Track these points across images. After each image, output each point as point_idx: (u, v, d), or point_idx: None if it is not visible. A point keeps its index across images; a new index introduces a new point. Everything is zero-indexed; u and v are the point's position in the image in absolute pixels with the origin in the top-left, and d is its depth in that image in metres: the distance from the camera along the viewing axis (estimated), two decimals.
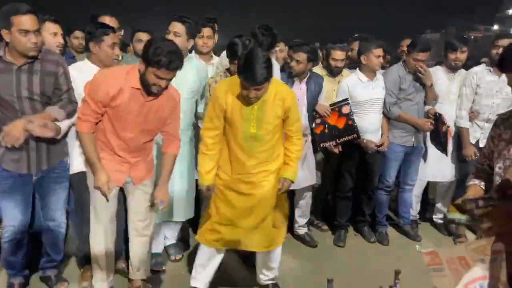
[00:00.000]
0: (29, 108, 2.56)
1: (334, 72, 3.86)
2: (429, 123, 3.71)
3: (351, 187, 3.82)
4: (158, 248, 3.30)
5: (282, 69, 3.64)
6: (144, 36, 3.73)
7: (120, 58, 3.17)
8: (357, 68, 3.76)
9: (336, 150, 3.66)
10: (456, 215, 1.44)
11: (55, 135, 2.56)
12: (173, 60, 2.34)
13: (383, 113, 3.75)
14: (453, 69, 3.86)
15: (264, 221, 2.71)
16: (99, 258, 2.74)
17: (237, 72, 2.43)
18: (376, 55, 3.58)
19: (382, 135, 3.76)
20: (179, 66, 2.40)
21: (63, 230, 2.91)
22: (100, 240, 2.71)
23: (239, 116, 2.53)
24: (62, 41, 3.20)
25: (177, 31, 3.04)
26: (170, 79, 2.46)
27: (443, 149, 3.82)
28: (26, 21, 2.41)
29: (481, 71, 3.75)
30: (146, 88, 2.46)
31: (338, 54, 3.74)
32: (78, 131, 2.57)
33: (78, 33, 3.78)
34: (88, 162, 2.62)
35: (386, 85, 3.71)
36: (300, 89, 3.48)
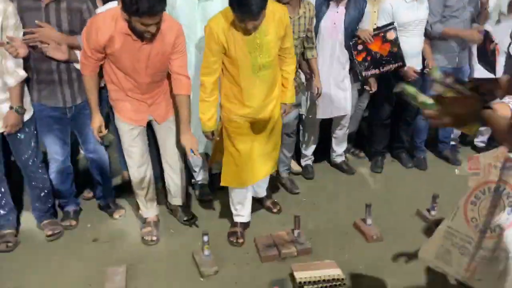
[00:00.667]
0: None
1: None
2: (478, 32, 3.45)
3: (388, 114, 3.75)
4: (203, 179, 3.39)
5: None
6: None
7: None
8: None
9: (372, 87, 3.59)
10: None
11: (64, 58, 2.66)
12: (152, 3, 2.19)
13: (425, 34, 3.55)
14: None
15: (276, 146, 2.87)
16: (138, 189, 2.92)
17: (229, 5, 2.31)
18: None
19: (425, 60, 3.59)
20: (163, 8, 2.27)
21: (106, 158, 3.12)
22: (136, 174, 2.86)
23: (243, 49, 2.45)
24: None
25: None
26: (159, 22, 2.34)
27: (492, 69, 3.59)
28: None
29: None
30: (138, 33, 2.37)
31: None
32: (81, 73, 2.63)
33: None
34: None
35: (430, 3, 3.48)
36: (337, 12, 3.28)
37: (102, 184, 3.17)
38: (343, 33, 3.34)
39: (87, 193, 3.43)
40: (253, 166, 2.78)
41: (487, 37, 3.51)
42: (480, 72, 3.73)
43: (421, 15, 3.47)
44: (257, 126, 2.72)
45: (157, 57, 2.52)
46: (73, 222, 3.08)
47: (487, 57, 3.59)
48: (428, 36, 3.56)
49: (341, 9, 3.29)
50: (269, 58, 2.53)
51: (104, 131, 2.75)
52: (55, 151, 2.91)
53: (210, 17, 2.52)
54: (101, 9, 2.85)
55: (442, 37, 3.52)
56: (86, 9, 2.72)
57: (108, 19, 2.40)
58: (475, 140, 4.22)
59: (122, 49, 2.43)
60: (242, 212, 2.94)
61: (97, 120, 2.70)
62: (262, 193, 3.21)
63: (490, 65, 3.60)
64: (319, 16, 3.29)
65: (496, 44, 3.50)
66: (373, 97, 3.81)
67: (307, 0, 3.06)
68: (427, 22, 3.51)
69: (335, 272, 2.45)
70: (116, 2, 2.77)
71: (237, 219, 2.96)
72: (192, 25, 2.83)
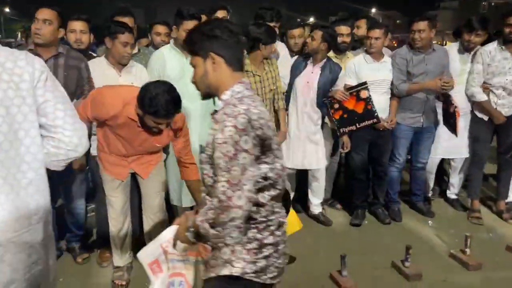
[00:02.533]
0: None
1: (340, 49, 3.84)
2: (439, 79, 3.59)
3: (362, 168, 3.88)
4: None
5: (301, 52, 3.72)
6: (161, 29, 3.81)
7: (136, 51, 3.28)
8: (364, 50, 3.79)
9: (346, 147, 3.78)
10: None
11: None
12: (170, 109, 2.29)
13: (393, 94, 3.76)
14: (467, 49, 3.82)
15: None
16: (114, 238, 2.91)
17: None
18: (369, 36, 3.63)
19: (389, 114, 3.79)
20: (178, 111, 2.39)
21: (83, 213, 3.20)
22: (114, 223, 2.86)
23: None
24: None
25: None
26: (170, 122, 2.45)
27: (453, 130, 3.83)
28: (38, 11, 2.73)
29: (493, 49, 3.70)
30: (145, 125, 2.44)
31: (343, 29, 3.76)
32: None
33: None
34: None
35: (394, 65, 3.72)
36: (312, 72, 3.55)
37: (72, 231, 3.22)
38: (316, 92, 3.56)
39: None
40: None
41: (448, 101, 3.75)
42: (445, 128, 3.93)
43: (383, 76, 3.71)
44: None
45: (155, 141, 2.62)
46: (86, 255, 3.11)
47: (449, 119, 3.82)
48: (396, 96, 3.77)
49: (316, 70, 3.54)
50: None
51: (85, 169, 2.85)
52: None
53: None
54: (92, 61, 3.01)
55: (409, 94, 3.72)
56: (84, 67, 2.91)
57: (117, 100, 2.45)
58: (448, 192, 4.35)
59: (123, 126, 2.50)
60: None
61: (78, 161, 2.74)
62: None
63: (451, 126, 3.83)
64: (295, 73, 3.53)
65: (456, 107, 3.73)
66: (346, 153, 3.95)
67: (269, 60, 3.34)
68: (393, 83, 3.72)
69: None
70: (104, 57, 3.01)
71: None
72: (183, 80, 2.96)
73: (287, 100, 3.63)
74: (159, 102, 2.23)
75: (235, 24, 1.59)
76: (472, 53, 3.84)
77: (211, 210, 1.44)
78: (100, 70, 2.93)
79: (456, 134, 3.82)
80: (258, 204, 1.51)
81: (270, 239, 1.55)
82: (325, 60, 3.55)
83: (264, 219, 1.53)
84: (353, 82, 3.70)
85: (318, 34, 3.45)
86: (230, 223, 1.41)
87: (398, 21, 39.64)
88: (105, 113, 2.47)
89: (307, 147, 3.63)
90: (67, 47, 3.02)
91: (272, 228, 1.56)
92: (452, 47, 3.95)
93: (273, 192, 1.53)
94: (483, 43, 3.85)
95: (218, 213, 1.41)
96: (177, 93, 2.34)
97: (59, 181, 2.98)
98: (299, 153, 3.63)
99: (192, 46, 1.54)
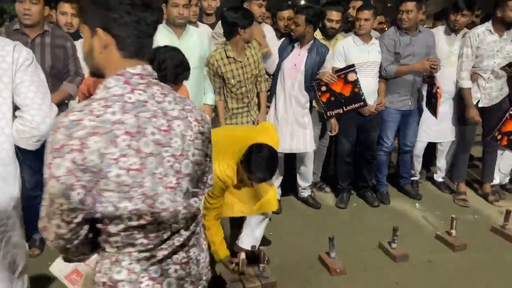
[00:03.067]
0: None
1: (329, 34, 3.83)
2: (427, 60, 3.61)
3: (350, 151, 3.89)
4: None
5: (289, 35, 3.68)
6: None
7: None
8: (353, 32, 3.77)
9: (334, 130, 3.77)
10: None
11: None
12: (179, 73, 2.29)
13: (381, 76, 3.77)
14: (453, 30, 3.83)
15: None
16: None
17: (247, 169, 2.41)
18: (358, 18, 3.62)
19: (378, 97, 3.81)
20: (186, 77, 2.36)
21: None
22: None
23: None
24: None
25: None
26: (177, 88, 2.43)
27: (433, 111, 3.87)
28: None
29: (482, 32, 3.71)
30: None
31: (334, 15, 3.71)
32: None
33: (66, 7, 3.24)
34: None
35: (382, 46, 3.71)
36: (299, 54, 3.52)
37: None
38: (303, 74, 3.55)
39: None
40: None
41: (432, 82, 3.77)
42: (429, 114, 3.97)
43: (372, 58, 3.70)
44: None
45: None
46: (36, 251, 3.00)
47: (430, 100, 3.85)
48: (385, 78, 3.78)
49: (303, 52, 3.52)
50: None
51: None
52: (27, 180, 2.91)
53: (191, 51, 2.83)
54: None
55: (397, 76, 3.72)
56: (70, 46, 2.89)
57: None
58: (434, 175, 4.41)
59: None
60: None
61: None
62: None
63: (432, 107, 3.86)
64: (282, 56, 3.51)
65: (438, 88, 3.76)
66: (333, 136, 3.97)
67: (250, 44, 3.29)
68: (381, 65, 3.73)
69: None
70: None
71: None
72: None
73: (275, 83, 3.62)
74: (168, 66, 2.23)
75: None
76: (460, 35, 3.85)
77: None
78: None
79: (436, 116, 3.85)
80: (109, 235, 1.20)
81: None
82: (312, 42, 3.53)
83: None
84: (342, 65, 3.68)
85: (301, 18, 3.39)
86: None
87: (389, 4, 39.50)
88: None
89: (295, 131, 3.63)
90: (52, 25, 2.99)
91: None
92: (439, 29, 3.95)
93: (132, 223, 1.18)
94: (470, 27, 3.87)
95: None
96: (186, 59, 2.36)
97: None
98: (287, 136, 3.62)
99: (79, 12, 1.42)
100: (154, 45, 2.82)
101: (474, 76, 3.80)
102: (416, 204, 4.00)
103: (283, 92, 3.58)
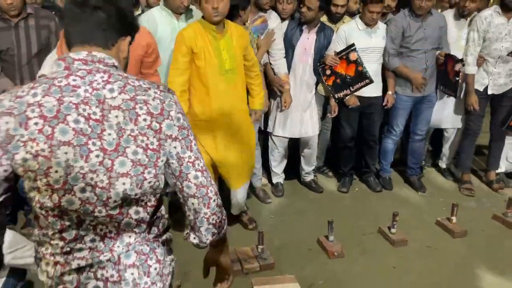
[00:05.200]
0: (25, 65, 2.83)
1: (334, 19, 3.79)
2: (422, 78, 3.64)
3: (351, 136, 3.87)
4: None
5: (292, 17, 3.64)
6: None
7: (139, 11, 3.26)
8: (357, 15, 3.71)
9: (352, 102, 3.70)
10: None
11: None
12: None
13: (387, 68, 3.73)
14: (462, 15, 3.76)
15: (250, 158, 3.05)
16: None
17: None
18: (370, 11, 3.51)
19: (388, 91, 3.75)
20: None
21: None
22: None
23: (210, 52, 2.69)
24: None
25: None
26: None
27: (454, 91, 3.77)
28: None
29: (490, 14, 3.63)
30: None
31: (339, 0, 3.65)
32: None
33: None
34: None
35: (388, 34, 3.65)
36: (308, 38, 3.49)
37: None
38: (313, 58, 3.53)
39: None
40: (228, 174, 2.94)
41: (453, 59, 3.68)
42: (439, 96, 3.92)
43: (376, 43, 3.64)
44: (228, 132, 2.87)
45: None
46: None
47: (447, 80, 3.78)
48: (386, 67, 3.73)
49: (312, 35, 3.49)
50: (234, 63, 2.78)
51: None
52: None
53: None
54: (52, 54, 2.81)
55: (397, 73, 3.70)
56: (54, 25, 2.91)
57: None
58: (439, 161, 4.38)
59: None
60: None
61: None
62: (240, 208, 3.26)
63: (452, 88, 3.77)
64: (291, 41, 3.47)
65: (463, 64, 3.68)
66: (334, 120, 3.95)
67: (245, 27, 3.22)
68: (387, 53, 3.67)
69: (293, 286, 2.52)
70: None
71: None
72: (173, 42, 2.91)
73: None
74: None
75: None
76: (469, 19, 3.78)
77: None
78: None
79: (456, 96, 3.79)
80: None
81: None
82: (319, 25, 3.50)
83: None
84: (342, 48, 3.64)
85: (315, 3, 3.32)
86: None
87: None
88: None
89: (304, 116, 3.62)
90: (35, 6, 3.00)
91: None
92: (448, 13, 3.86)
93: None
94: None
95: None
96: None
97: None
98: (297, 122, 3.61)
99: None
100: (154, 26, 2.78)
101: (480, 60, 3.73)
102: (419, 192, 3.98)
103: (293, 78, 3.53)
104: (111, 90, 1.11)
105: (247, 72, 2.94)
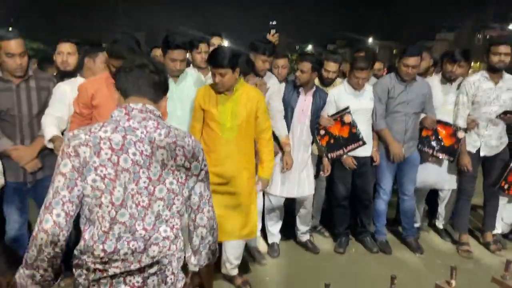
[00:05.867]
0: (27, 126, 2.87)
1: (325, 82, 3.93)
2: (402, 153, 3.74)
3: (345, 195, 3.89)
4: None
5: (286, 80, 3.78)
6: (158, 53, 3.89)
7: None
8: (346, 79, 3.86)
9: (348, 163, 3.77)
10: None
11: (39, 166, 2.91)
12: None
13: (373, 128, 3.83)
14: (449, 80, 3.90)
15: (249, 214, 3.03)
16: None
17: (207, 60, 2.93)
18: (356, 76, 3.66)
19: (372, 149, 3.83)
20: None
21: None
22: None
23: (215, 107, 2.88)
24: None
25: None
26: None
27: (453, 156, 3.83)
28: (12, 45, 2.72)
29: (478, 79, 3.78)
30: None
31: (331, 66, 3.82)
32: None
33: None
34: None
35: (375, 95, 3.76)
36: (305, 100, 3.61)
37: None
38: (310, 119, 3.64)
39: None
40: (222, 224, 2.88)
41: (444, 126, 3.82)
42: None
43: (364, 105, 3.76)
44: (227, 190, 2.91)
45: None
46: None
47: (441, 145, 3.86)
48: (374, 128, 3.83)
49: (309, 97, 3.62)
50: (236, 121, 2.87)
51: None
52: (14, 220, 2.95)
53: (187, 97, 3.05)
54: (66, 83, 2.99)
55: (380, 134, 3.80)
56: (53, 86, 2.96)
57: (99, 75, 2.74)
58: (436, 221, 4.36)
59: (108, 96, 2.54)
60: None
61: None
62: (234, 270, 3.21)
63: (448, 152, 3.85)
64: (289, 103, 3.58)
65: (466, 131, 3.80)
66: (328, 179, 3.98)
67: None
68: (375, 114, 3.78)
69: None
70: (78, 75, 3.07)
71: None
72: (172, 106, 3.05)
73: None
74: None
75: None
76: (455, 84, 3.91)
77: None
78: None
79: (454, 160, 3.85)
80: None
81: None
82: (315, 87, 3.63)
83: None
84: (333, 112, 3.76)
85: (308, 66, 3.46)
86: (39, 256, 1.40)
87: (394, 51, 40.31)
88: (90, 86, 2.62)
89: (301, 175, 3.66)
90: (35, 68, 3.11)
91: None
92: (434, 79, 4.02)
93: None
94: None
95: (29, 246, 1.43)
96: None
97: (34, 199, 3.02)
98: (295, 182, 3.64)
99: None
100: None
101: (472, 124, 3.83)
102: (416, 253, 3.93)
103: (292, 138, 3.59)
104: (160, 134, 1.49)
105: (258, 136, 3.03)
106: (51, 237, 1.38)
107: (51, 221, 1.38)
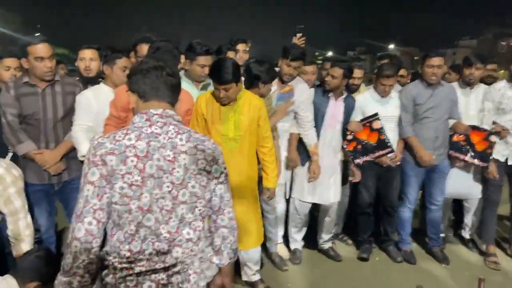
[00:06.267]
0: (51, 129, 2.91)
1: (351, 89, 3.90)
2: (432, 159, 3.66)
3: (369, 202, 3.83)
4: None
5: (319, 85, 3.76)
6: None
7: None
8: (372, 85, 3.82)
9: (356, 177, 3.73)
10: None
11: (63, 168, 2.95)
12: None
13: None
14: (468, 84, 3.84)
15: (255, 221, 2.98)
16: None
17: (208, 75, 2.84)
18: (382, 84, 3.63)
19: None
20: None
21: None
22: None
23: (218, 118, 2.80)
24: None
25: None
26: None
27: (487, 161, 3.74)
28: (40, 49, 2.76)
29: (503, 86, 3.74)
30: None
31: (357, 72, 3.80)
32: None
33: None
34: None
35: (401, 102, 3.71)
36: (335, 106, 3.59)
37: None
38: (341, 124, 3.62)
39: None
40: None
41: (477, 131, 3.74)
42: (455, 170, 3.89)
43: (390, 112, 3.71)
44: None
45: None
46: None
47: (476, 151, 3.76)
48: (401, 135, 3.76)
49: (340, 103, 3.60)
50: (239, 132, 2.81)
51: None
52: (41, 223, 2.99)
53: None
54: (89, 90, 3.03)
55: (417, 132, 3.68)
56: (79, 91, 2.99)
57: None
58: (462, 231, 4.26)
59: None
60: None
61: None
62: (255, 276, 3.19)
63: (482, 158, 3.75)
64: (320, 108, 3.56)
65: (500, 137, 3.73)
66: (353, 186, 3.93)
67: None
68: (401, 122, 3.71)
69: None
70: (101, 83, 3.08)
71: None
72: None
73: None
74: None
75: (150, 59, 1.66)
76: (475, 90, 3.85)
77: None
78: (103, 94, 2.96)
79: (488, 166, 3.75)
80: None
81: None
82: (345, 94, 3.61)
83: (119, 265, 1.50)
84: (359, 118, 3.72)
85: (339, 72, 3.43)
86: (75, 263, 1.42)
87: (416, 58, 39.90)
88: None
89: (330, 181, 3.63)
90: (61, 73, 3.14)
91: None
92: (453, 84, 3.94)
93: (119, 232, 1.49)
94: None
95: (65, 253, 1.45)
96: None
97: (62, 201, 3.09)
98: (324, 187, 3.62)
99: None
100: None
101: (503, 133, 3.75)
102: (442, 264, 3.84)
103: (322, 143, 3.57)
104: (181, 139, 1.51)
105: (260, 145, 2.96)
106: (84, 245, 1.41)
107: (83, 229, 1.41)
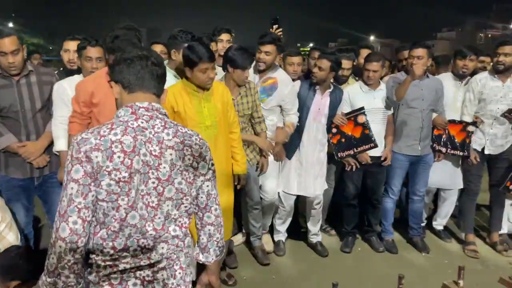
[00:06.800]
0: (31, 120, 2.84)
1: (340, 81, 3.91)
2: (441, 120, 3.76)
3: (354, 194, 3.87)
4: None
5: (306, 76, 3.74)
6: (158, 48, 3.86)
7: None
8: (361, 79, 3.83)
9: (364, 159, 3.72)
10: None
11: (47, 161, 2.92)
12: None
13: (388, 125, 3.78)
14: (460, 76, 3.89)
15: (226, 213, 2.88)
16: None
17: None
18: (367, 69, 3.66)
19: (385, 147, 3.80)
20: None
21: None
22: None
23: (190, 109, 2.69)
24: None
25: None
26: None
27: (467, 151, 3.83)
28: (2, 44, 2.69)
29: (484, 77, 3.80)
30: None
31: (345, 63, 3.79)
32: (69, 134, 2.70)
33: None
34: None
35: (386, 90, 3.72)
36: (321, 99, 3.57)
37: None
38: (326, 118, 3.61)
39: None
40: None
41: (455, 124, 3.82)
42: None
43: (378, 104, 3.73)
44: None
45: None
46: None
47: (455, 143, 3.85)
48: (391, 105, 3.75)
49: (326, 96, 3.58)
50: (215, 118, 2.76)
51: None
52: (20, 219, 2.92)
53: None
54: (65, 81, 2.93)
55: (399, 97, 3.58)
56: (55, 80, 2.93)
57: (99, 72, 2.64)
58: (433, 223, 4.32)
59: (108, 94, 2.43)
60: None
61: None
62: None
63: (463, 149, 3.85)
64: (306, 101, 3.54)
65: (477, 126, 3.82)
66: (338, 178, 3.96)
67: (247, 85, 3.19)
68: (385, 107, 3.73)
69: None
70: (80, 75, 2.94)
71: None
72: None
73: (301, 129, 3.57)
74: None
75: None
76: (464, 82, 3.91)
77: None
78: None
79: (468, 156, 3.84)
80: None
81: None
82: (332, 87, 3.58)
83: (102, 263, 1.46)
84: (347, 110, 3.73)
85: (326, 64, 3.39)
86: (59, 264, 1.37)
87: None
88: (90, 85, 2.53)
89: (316, 174, 3.65)
90: (33, 64, 3.06)
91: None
92: (444, 76, 4.01)
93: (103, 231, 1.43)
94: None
95: (49, 253, 1.40)
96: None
97: (41, 197, 3.05)
98: (311, 180, 3.63)
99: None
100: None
101: (478, 122, 3.82)
102: (423, 253, 3.92)
103: (307, 136, 3.58)
104: (168, 134, 1.46)
105: (229, 131, 2.93)
106: (69, 245, 1.36)
107: (68, 229, 1.35)
